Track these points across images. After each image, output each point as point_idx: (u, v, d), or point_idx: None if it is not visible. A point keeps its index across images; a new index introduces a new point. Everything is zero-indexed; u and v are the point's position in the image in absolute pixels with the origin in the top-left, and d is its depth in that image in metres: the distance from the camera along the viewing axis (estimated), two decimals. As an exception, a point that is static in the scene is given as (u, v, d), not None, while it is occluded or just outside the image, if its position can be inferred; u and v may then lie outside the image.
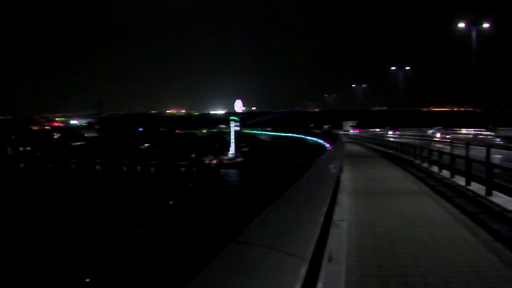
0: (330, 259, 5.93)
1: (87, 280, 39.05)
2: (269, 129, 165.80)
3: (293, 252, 2.25)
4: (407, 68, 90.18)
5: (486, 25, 53.55)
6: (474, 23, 53.74)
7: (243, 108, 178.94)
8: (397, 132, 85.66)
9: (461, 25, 53.66)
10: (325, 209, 4.37)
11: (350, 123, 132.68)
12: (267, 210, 3.42)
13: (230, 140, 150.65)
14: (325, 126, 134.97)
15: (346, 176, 17.40)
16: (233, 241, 2.30)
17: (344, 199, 12.09)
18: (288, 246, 2.35)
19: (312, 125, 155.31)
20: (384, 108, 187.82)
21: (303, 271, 2.14)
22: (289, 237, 2.65)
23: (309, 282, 2.56)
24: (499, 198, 12.32)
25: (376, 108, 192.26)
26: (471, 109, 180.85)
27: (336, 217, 8.45)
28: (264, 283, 1.93)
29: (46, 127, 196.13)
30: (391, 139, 45.71)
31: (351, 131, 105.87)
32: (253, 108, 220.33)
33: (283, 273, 2.06)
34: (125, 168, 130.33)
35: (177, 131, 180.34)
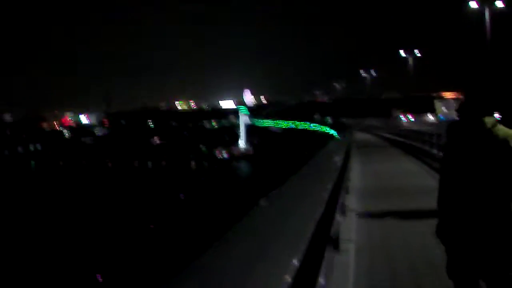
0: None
1: (98, 276, 38.76)
2: (279, 120, 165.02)
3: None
4: (417, 52, 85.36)
5: (500, 5, 51.19)
6: (487, 2, 51.12)
7: (252, 97, 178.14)
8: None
9: (473, 4, 51.32)
10: (312, 227, 3.34)
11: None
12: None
13: (240, 132, 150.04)
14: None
15: (354, 170, 16.43)
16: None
17: (351, 202, 10.72)
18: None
19: (319, 116, 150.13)
20: (396, 95, 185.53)
21: None
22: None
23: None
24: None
25: (386, 96, 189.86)
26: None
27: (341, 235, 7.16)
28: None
29: (56, 127, 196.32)
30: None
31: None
32: (263, 99, 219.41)
33: None
34: (136, 164, 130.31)
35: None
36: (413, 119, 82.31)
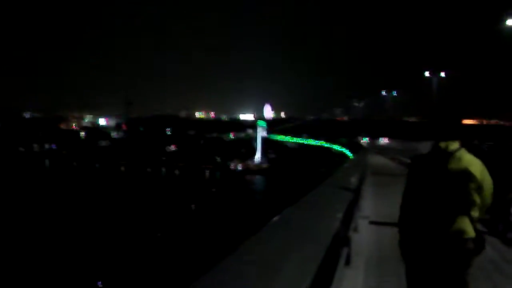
0: None
1: (99, 283, 38.30)
2: (296, 136, 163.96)
3: None
4: (441, 74, 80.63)
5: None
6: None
7: (272, 112, 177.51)
8: None
9: (510, 22, 47.38)
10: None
11: None
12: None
13: (256, 145, 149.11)
14: None
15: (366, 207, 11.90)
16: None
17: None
18: None
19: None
20: (413, 119, 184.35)
21: None
22: None
23: None
24: None
25: (406, 119, 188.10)
26: (501, 122, 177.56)
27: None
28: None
29: (74, 127, 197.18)
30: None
31: None
32: (282, 114, 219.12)
33: None
34: (149, 170, 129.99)
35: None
36: None
